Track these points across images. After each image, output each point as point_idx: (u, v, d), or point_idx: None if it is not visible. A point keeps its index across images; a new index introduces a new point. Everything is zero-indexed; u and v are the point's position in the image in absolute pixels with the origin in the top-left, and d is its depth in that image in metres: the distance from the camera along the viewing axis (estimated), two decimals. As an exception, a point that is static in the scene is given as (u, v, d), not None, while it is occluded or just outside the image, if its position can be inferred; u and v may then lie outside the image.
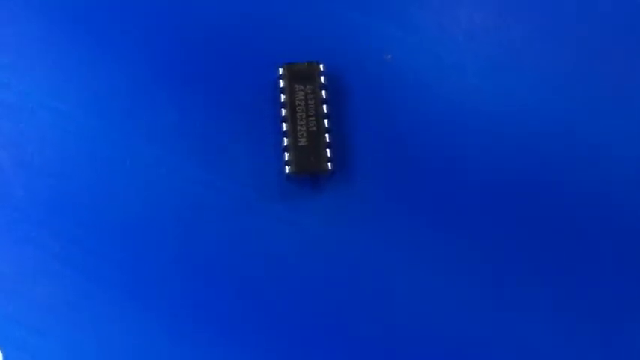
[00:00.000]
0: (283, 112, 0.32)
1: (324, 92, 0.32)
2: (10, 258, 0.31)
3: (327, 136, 0.31)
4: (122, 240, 0.31)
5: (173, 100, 0.33)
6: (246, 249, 0.31)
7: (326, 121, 0.32)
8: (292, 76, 0.32)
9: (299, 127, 0.31)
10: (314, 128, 0.31)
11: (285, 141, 0.31)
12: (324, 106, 0.32)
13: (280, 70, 0.32)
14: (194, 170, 0.32)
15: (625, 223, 0.31)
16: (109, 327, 0.31)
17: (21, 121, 0.32)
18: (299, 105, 0.32)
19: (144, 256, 0.31)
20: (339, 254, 0.32)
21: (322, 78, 0.32)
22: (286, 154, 0.31)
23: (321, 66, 0.32)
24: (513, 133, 0.32)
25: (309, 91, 0.32)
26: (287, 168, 0.31)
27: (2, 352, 0.30)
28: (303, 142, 0.31)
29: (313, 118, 0.31)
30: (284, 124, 0.31)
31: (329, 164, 0.31)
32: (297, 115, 0.31)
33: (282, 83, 0.32)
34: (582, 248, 0.31)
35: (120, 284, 0.31)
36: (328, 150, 0.31)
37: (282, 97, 0.32)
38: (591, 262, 0.31)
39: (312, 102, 0.32)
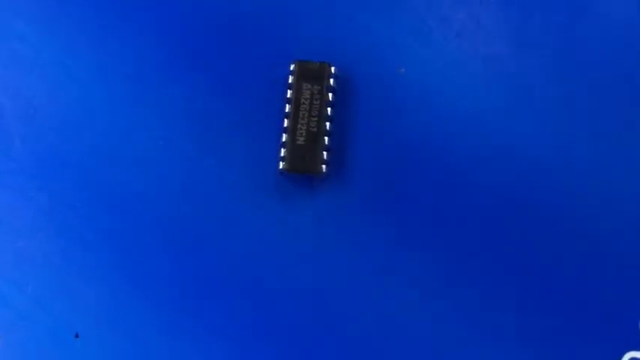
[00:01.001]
0: (287, 108, 0.32)
1: (331, 95, 0.32)
2: (-4, 206, 0.32)
3: (326, 138, 0.32)
4: (109, 206, 0.32)
5: (183, 80, 0.33)
6: (235, 239, 0.32)
7: (328, 123, 0.32)
8: (302, 74, 0.32)
9: (299, 126, 0.31)
10: (314, 129, 0.31)
11: (284, 137, 0.32)
12: (329, 109, 0.32)
13: (291, 67, 0.32)
14: (194, 152, 0.32)
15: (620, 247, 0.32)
16: (87, 289, 0.31)
17: (31, 74, 0.33)
18: (303, 103, 0.32)
19: (129, 226, 0.32)
20: (325, 256, 0.32)
21: (331, 80, 0.32)
22: (283, 150, 0.31)
23: (333, 68, 0.32)
24: (516, 155, 0.32)
25: (315, 92, 0.32)
26: (281, 164, 0.31)
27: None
28: (301, 140, 0.31)
29: (316, 119, 0.32)
30: (286, 120, 0.32)
31: (323, 167, 0.31)
32: (300, 113, 0.32)
33: (290, 79, 0.32)
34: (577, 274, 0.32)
35: (102, 250, 0.32)
36: (325, 152, 0.31)
37: (289, 93, 0.32)
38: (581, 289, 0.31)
39: (318, 102, 0.32)
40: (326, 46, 0.33)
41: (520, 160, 0.32)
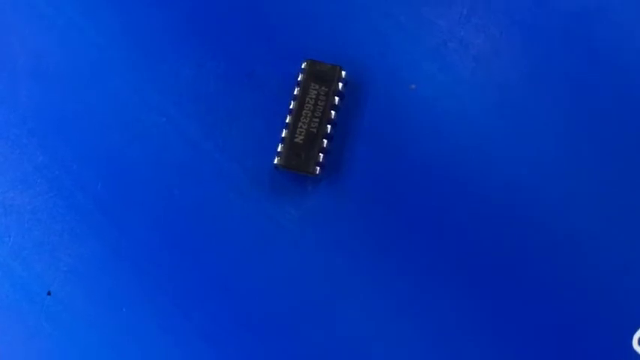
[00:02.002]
0: (292, 104, 0.32)
1: (337, 98, 0.32)
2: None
3: (325, 141, 0.32)
4: (103, 172, 0.32)
5: (195, 60, 0.33)
6: (219, 224, 0.32)
7: (329, 126, 0.32)
8: (311, 73, 0.32)
9: (300, 124, 0.32)
10: (315, 129, 0.32)
11: (284, 132, 0.32)
12: (333, 112, 0.32)
13: (303, 65, 0.32)
14: (194, 133, 0.33)
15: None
16: (68, 249, 0.32)
17: (49, 33, 0.33)
18: (308, 103, 0.32)
19: (119, 195, 0.32)
20: (306, 256, 0.32)
21: (340, 84, 0.32)
22: (280, 146, 0.32)
23: (344, 73, 0.32)
24: (515, 180, 0.32)
25: (322, 93, 0.32)
26: (276, 159, 0.32)
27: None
28: (299, 139, 0.31)
29: (317, 120, 0.32)
30: (288, 117, 0.32)
31: (317, 168, 0.31)
32: (303, 112, 0.32)
33: (299, 77, 0.32)
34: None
35: (89, 214, 0.32)
36: (321, 155, 0.32)
37: (296, 90, 0.32)
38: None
39: (323, 104, 0.32)
40: (342, 50, 0.33)
41: (520, 188, 0.32)
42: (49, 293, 0.31)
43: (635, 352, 0.31)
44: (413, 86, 0.33)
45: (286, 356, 0.31)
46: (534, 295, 0.31)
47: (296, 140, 0.31)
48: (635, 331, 0.31)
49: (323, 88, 0.32)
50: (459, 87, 0.33)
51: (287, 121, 0.32)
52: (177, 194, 0.32)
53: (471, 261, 0.32)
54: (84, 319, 0.31)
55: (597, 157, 0.32)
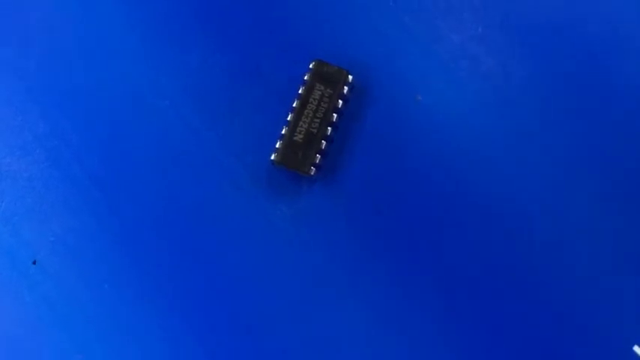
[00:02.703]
0: (295, 103, 0.32)
1: (340, 101, 0.32)
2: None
3: (323, 142, 0.32)
4: (102, 147, 0.32)
5: (204, 49, 0.33)
6: (210, 214, 0.32)
7: (330, 128, 0.32)
8: (317, 74, 0.32)
9: (301, 123, 0.32)
10: (315, 130, 0.32)
11: (284, 130, 0.32)
12: (335, 115, 0.32)
13: (310, 64, 0.32)
14: (196, 121, 0.33)
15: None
16: (59, 220, 0.32)
17: (63, 7, 0.33)
18: (311, 103, 0.32)
19: (115, 170, 0.32)
20: (295, 255, 0.32)
21: (346, 88, 0.32)
22: (279, 142, 0.32)
23: (350, 77, 0.32)
24: (510, 199, 0.32)
25: (326, 94, 0.32)
26: (273, 155, 0.32)
27: None
28: (298, 138, 0.32)
29: (318, 121, 0.32)
30: (290, 115, 0.32)
31: (313, 169, 0.31)
32: (305, 111, 0.32)
33: (306, 76, 0.32)
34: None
35: (84, 186, 0.32)
36: (319, 156, 0.32)
37: (301, 89, 0.32)
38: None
39: (325, 106, 0.32)
40: (351, 54, 0.33)
41: (514, 200, 0.32)
42: (34, 262, 0.31)
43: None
44: (419, 97, 0.33)
45: (273, 351, 0.31)
46: (530, 299, 0.31)
47: (295, 139, 0.32)
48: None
49: (328, 89, 0.32)
50: (465, 103, 0.33)
51: (288, 118, 0.32)
52: (172, 179, 0.32)
53: (461, 265, 0.32)
54: (65, 291, 0.31)
55: (599, 185, 0.32)
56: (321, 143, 0.32)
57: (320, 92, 0.32)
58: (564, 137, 0.32)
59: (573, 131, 0.32)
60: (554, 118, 0.33)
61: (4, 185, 0.32)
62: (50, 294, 0.31)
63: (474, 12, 0.33)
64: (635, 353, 0.31)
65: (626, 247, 0.32)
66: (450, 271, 0.32)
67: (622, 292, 0.31)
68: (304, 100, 0.32)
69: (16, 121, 0.32)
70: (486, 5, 0.33)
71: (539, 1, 0.33)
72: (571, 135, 0.32)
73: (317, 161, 0.31)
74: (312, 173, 0.31)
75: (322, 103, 0.32)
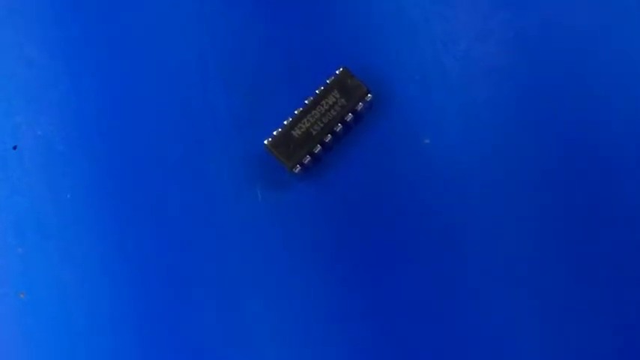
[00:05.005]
0: (307, 100, 0.32)
1: (350, 115, 0.32)
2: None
3: (318, 146, 0.32)
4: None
5: (234, 35, 0.34)
6: (194, 187, 0.33)
7: (330, 136, 0.32)
8: (339, 81, 0.32)
9: (304, 120, 0.32)
10: (314, 132, 0.32)
11: (286, 121, 0.32)
12: (340, 125, 0.32)
13: (337, 70, 0.32)
14: (210, 94, 0.33)
15: None
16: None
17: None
18: (322, 106, 0.32)
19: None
20: (267, 250, 0.32)
21: (360, 105, 0.32)
22: (277, 130, 0.32)
23: (369, 95, 0.32)
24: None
25: (339, 104, 0.32)
26: (267, 140, 0.32)
27: None
28: (296, 133, 0.32)
29: (321, 125, 0.32)
30: (298, 109, 0.32)
31: (298, 167, 0.32)
32: (313, 112, 0.32)
33: (328, 80, 0.32)
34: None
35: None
36: (309, 157, 0.32)
37: (318, 90, 0.32)
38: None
39: (334, 113, 0.32)
40: (383, 78, 0.33)
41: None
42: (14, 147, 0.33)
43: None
44: (427, 141, 0.33)
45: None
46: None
47: (293, 133, 0.32)
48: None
49: (342, 99, 0.32)
50: (473, 159, 0.33)
51: (295, 112, 0.32)
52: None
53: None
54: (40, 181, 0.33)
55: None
56: (315, 146, 0.32)
57: (334, 99, 0.32)
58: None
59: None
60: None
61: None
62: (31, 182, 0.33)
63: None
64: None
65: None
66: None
67: None
68: (316, 101, 0.32)
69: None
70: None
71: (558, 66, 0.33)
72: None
73: (305, 162, 0.32)
74: (295, 171, 0.32)
75: (332, 110, 0.32)
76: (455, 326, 0.31)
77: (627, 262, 0.31)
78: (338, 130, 0.32)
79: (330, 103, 0.32)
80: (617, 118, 0.32)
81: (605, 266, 0.31)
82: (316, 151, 0.32)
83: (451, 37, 0.33)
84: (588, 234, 0.32)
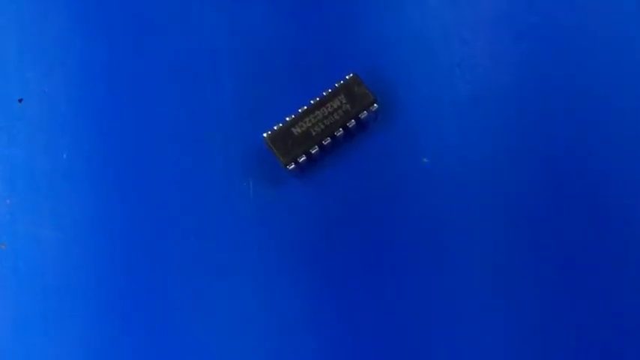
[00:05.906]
0: (313, 100, 0.32)
1: (353, 121, 0.32)
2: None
3: (316, 147, 0.32)
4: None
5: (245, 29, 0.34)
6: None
7: (329, 138, 0.32)
8: (347, 87, 0.32)
9: (306, 120, 0.32)
10: (314, 133, 0.32)
11: (288, 118, 0.32)
12: (341, 130, 0.32)
13: (348, 75, 0.32)
14: (219, 86, 0.34)
15: None
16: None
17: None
18: (326, 108, 0.32)
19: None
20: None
21: (365, 113, 0.32)
22: (277, 125, 0.32)
23: (376, 105, 0.32)
24: None
25: (343, 109, 0.32)
26: (266, 133, 0.32)
27: None
28: (296, 131, 0.32)
29: (322, 127, 0.32)
30: (302, 108, 0.32)
31: (292, 165, 0.31)
32: (316, 112, 0.32)
33: (337, 83, 0.32)
34: None
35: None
36: (304, 157, 0.32)
37: (325, 91, 0.32)
38: None
39: (337, 117, 0.32)
40: (391, 88, 0.33)
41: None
42: (20, 100, 0.33)
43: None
44: (425, 160, 0.32)
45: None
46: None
47: (293, 130, 0.32)
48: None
49: (347, 105, 0.32)
50: (470, 183, 0.32)
51: (299, 110, 0.32)
52: (170, 116, 0.33)
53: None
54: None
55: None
56: (313, 147, 0.32)
57: (339, 103, 0.32)
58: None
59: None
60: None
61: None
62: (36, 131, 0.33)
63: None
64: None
65: None
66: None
67: None
68: (321, 103, 0.32)
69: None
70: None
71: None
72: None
73: (300, 160, 0.31)
74: (290, 168, 0.32)
75: (335, 113, 0.32)
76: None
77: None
78: (338, 134, 0.32)
79: (335, 106, 0.32)
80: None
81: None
82: (313, 152, 0.32)
83: (467, 61, 0.33)
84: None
